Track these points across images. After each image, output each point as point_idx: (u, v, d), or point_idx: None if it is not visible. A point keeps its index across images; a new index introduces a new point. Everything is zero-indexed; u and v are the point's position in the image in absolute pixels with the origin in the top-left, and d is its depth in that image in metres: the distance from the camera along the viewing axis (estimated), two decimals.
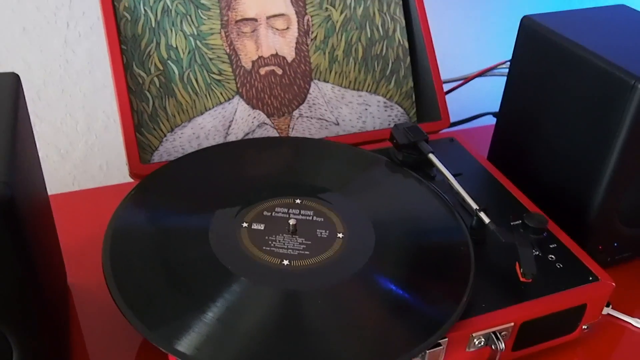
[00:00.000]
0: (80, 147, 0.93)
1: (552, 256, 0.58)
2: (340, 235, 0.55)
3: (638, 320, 0.62)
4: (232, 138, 0.70)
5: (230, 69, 0.69)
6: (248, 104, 0.70)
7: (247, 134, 0.70)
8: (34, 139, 0.55)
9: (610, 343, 0.60)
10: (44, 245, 0.49)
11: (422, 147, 0.65)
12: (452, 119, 0.77)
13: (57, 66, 0.86)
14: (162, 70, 0.67)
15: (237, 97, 0.69)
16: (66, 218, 0.71)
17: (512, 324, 0.52)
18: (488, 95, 0.91)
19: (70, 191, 0.77)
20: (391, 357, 0.45)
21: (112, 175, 0.97)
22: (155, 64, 0.66)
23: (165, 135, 0.67)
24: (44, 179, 0.57)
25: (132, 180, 0.66)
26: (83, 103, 0.90)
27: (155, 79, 0.66)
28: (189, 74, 0.67)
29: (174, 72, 0.67)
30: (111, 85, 0.89)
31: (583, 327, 0.57)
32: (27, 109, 0.52)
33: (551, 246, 0.59)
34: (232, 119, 0.69)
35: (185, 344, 0.45)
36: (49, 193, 0.61)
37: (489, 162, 0.70)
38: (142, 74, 0.66)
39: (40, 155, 0.90)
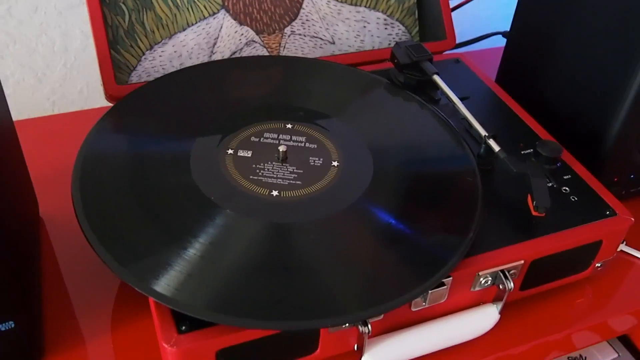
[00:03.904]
0: (58, 70, 0.87)
1: (566, 188, 0.53)
2: (335, 163, 0.50)
3: None
4: (217, 57, 0.63)
5: None
6: (235, 19, 0.63)
7: (234, 52, 0.64)
8: None
9: (622, 281, 0.57)
10: (4, 176, 0.43)
11: (426, 67, 0.59)
12: (458, 39, 0.71)
13: None
14: None
15: (222, 11, 0.63)
16: (39, 145, 0.66)
17: (522, 261, 0.48)
18: (497, 13, 0.84)
19: (43, 116, 0.72)
20: (390, 297, 0.41)
21: (94, 99, 0.91)
22: None
23: (143, 54, 0.61)
24: (6, 103, 0.52)
25: (110, 103, 0.60)
26: (59, 21, 0.83)
27: None
28: None
29: None
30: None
31: (596, 265, 0.53)
32: None
33: (565, 177, 0.54)
34: (218, 36, 0.63)
35: (162, 283, 0.40)
36: (26, 118, 0.55)
37: (498, 86, 0.64)
38: None
39: (14, 79, 0.84)
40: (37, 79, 0.87)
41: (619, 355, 0.76)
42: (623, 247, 0.59)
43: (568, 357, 0.75)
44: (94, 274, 0.53)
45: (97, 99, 0.91)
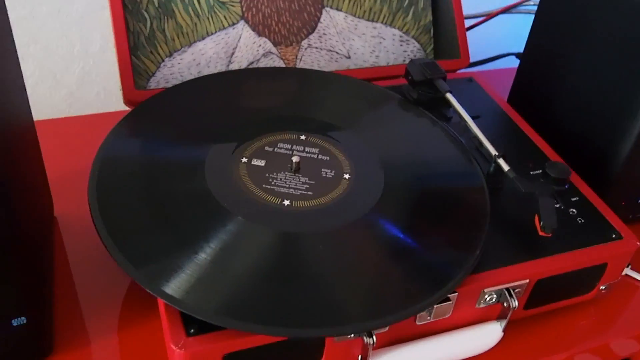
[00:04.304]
0: (77, 72, 0.88)
1: (574, 210, 0.53)
2: (346, 176, 0.51)
3: None
4: (235, 67, 0.65)
5: None
6: (253, 30, 0.64)
7: (252, 62, 0.65)
8: (16, 57, 0.50)
9: (626, 304, 0.57)
10: (23, 175, 0.45)
11: (439, 85, 0.60)
12: (472, 59, 0.72)
13: None
14: None
15: (241, 22, 0.64)
16: (56, 146, 0.67)
17: (527, 280, 0.48)
18: (512, 34, 0.85)
19: (61, 117, 0.73)
20: (395, 310, 0.42)
21: (110, 103, 0.92)
22: None
23: (163, 60, 0.62)
24: (28, 103, 0.53)
25: (127, 108, 0.62)
26: (80, 25, 0.84)
27: None
28: None
29: None
30: (107, 6, 0.84)
31: (601, 287, 0.53)
32: (8, 23, 0.48)
33: (572, 199, 0.55)
34: (236, 46, 0.64)
35: (173, 286, 0.41)
36: (42, 119, 0.56)
37: (509, 106, 0.65)
38: None
39: (33, 79, 0.86)
40: (55, 81, 0.88)
41: None
42: (628, 270, 0.59)
43: None
44: (104, 275, 0.54)
45: (113, 103, 0.92)
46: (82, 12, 0.83)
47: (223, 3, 0.63)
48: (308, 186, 0.50)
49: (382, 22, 0.69)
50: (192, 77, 0.63)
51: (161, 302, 0.43)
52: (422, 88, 0.60)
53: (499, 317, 0.50)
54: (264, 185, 0.49)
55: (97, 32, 0.85)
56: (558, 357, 0.52)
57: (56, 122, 0.72)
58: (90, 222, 0.45)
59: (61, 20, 0.83)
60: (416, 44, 0.71)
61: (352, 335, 0.44)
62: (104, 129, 0.53)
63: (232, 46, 0.64)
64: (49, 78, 0.87)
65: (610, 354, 0.56)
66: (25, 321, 0.43)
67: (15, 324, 0.43)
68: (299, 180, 0.50)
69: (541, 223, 0.48)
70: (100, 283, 0.54)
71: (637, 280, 0.59)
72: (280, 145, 0.53)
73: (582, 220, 0.53)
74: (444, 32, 0.70)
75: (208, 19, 0.63)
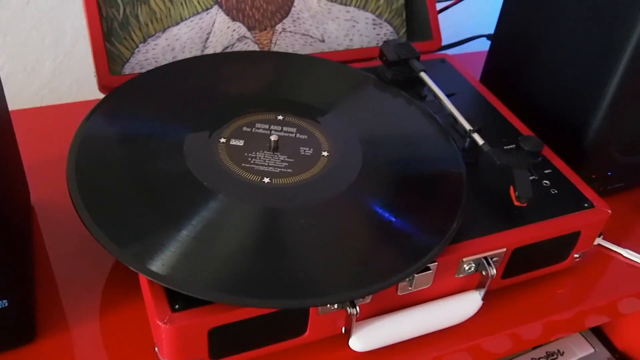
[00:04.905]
0: (48, 64, 0.88)
1: (547, 182, 0.55)
2: (324, 153, 0.52)
3: (628, 251, 0.60)
4: (209, 51, 0.65)
5: None
6: (227, 14, 0.65)
7: (226, 47, 0.65)
8: None
9: (599, 273, 0.59)
10: (2, 164, 0.44)
11: (414, 65, 0.61)
12: (444, 42, 0.73)
13: None
14: None
15: (215, 7, 0.64)
16: (30, 135, 0.67)
17: (504, 249, 0.49)
18: (482, 16, 0.86)
19: (35, 107, 0.72)
20: (377, 280, 0.43)
21: (83, 95, 0.92)
22: None
23: (137, 46, 0.62)
24: (3, 93, 0.52)
25: (101, 95, 0.61)
26: (50, 16, 0.84)
27: None
28: None
29: None
30: None
31: (575, 255, 0.55)
32: None
33: (546, 171, 0.56)
34: (210, 31, 0.64)
35: (158, 263, 0.41)
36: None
37: (482, 85, 0.66)
38: None
39: (4, 71, 0.85)
40: (26, 73, 0.87)
41: (595, 350, 0.78)
42: (601, 240, 0.61)
43: (546, 352, 0.78)
44: (84, 260, 0.54)
45: (86, 95, 0.92)
46: (52, 4, 0.82)
47: None
48: (287, 164, 0.50)
49: (355, 6, 0.69)
50: (167, 62, 0.63)
51: (145, 280, 0.43)
52: (396, 68, 0.61)
53: (478, 286, 0.51)
54: (243, 164, 0.49)
55: (68, 23, 0.85)
56: (536, 324, 0.53)
57: (29, 112, 0.71)
58: (67, 209, 0.45)
59: (31, 12, 0.83)
60: (389, 27, 0.71)
61: (336, 305, 0.44)
62: (77, 118, 0.52)
63: (206, 31, 0.64)
64: (20, 71, 0.86)
65: (586, 320, 0.57)
66: (7, 304, 0.43)
67: None
68: (278, 159, 0.50)
69: (516, 193, 0.50)
70: (79, 268, 0.53)
71: (610, 249, 0.61)
72: (258, 125, 0.53)
73: (556, 191, 0.54)
74: (416, 14, 0.71)
75: (182, 4, 0.63)
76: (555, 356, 0.76)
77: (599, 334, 0.80)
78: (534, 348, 0.77)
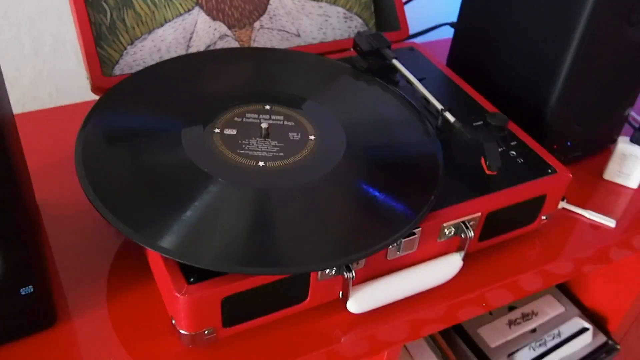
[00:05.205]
0: (28, 73, 0.90)
1: (514, 152, 0.60)
2: (312, 137, 0.56)
3: (589, 211, 0.66)
4: (193, 50, 0.69)
5: None
6: (208, 15, 0.69)
7: (209, 46, 0.69)
8: None
9: (565, 233, 0.64)
10: (18, 163, 0.48)
11: (386, 53, 0.66)
12: (411, 31, 0.78)
13: None
14: None
15: (196, 8, 0.68)
16: (22, 139, 0.70)
17: (479, 214, 0.55)
18: (446, 5, 0.92)
19: (22, 112, 0.75)
20: (370, 245, 0.47)
21: (62, 101, 0.94)
22: None
23: (125, 48, 0.66)
24: (7, 97, 0.56)
25: (88, 99, 0.65)
26: (28, 25, 0.86)
27: None
28: None
29: None
30: (57, 6, 0.86)
31: (542, 217, 0.60)
32: None
33: (512, 144, 0.61)
34: (193, 31, 0.68)
35: (172, 241, 0.45)
36: None
37: (449, 69, 0.72)
38: None
39: None
40: (7, 83, 0.89)
41: (565, 309, 0.84)
42: (565, 204, 0.67)
43: (522, 313, 0.84)
44: (87, 252, 0.58)
45: (65, 101, 0.94)
46: (30, 13, 0.85)
47: None
48: (278, 148, 0.54)
49: (326, 2, 0.74)
50: (153, 62, 0.67)
51: (159, 258, 0.47)
52: (370, 58, 0.66)
53: (457, 249, 0.56)
54: (238, 151, 0.54)
55: (47, 32, 0.87)
56: (509, 280, 0.58)
57: (23, 116, 0.74)
58: (69, 207, 0.48)
59: (9, 22, 0.85)
60: (359, 19, 0.76)
61: (334, 271, 0.49)
62: (65, 121, 0.56)
63: (189, 31, 0.68)
64: None
65: (554, 275, 0.63)
66: (32, 290, 0.47)
67: (23, 293, 0.46)
68: (270, 144, 0.55)
69: (487, 163, 0.55)
70: (84, 260, 0.57)
71: (574, 212, 0.67)
72: (248, 115, 0.58)
73: (522, 160, 0.60)
74: (384, 6, 0.76)
75: (165, 6, 0.67)
76: (530, 317, 0.83)
77: (569, 294, 0.86)
78: (510, 310, 0.83)
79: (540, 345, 0.79)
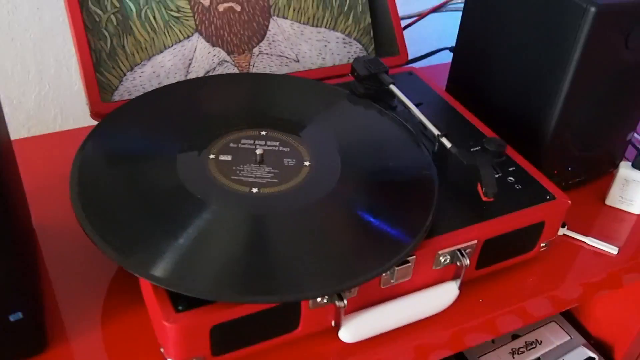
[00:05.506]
0: (33, 97, 0.91)
1: (512, 178, 0.60)
2: (306, 163, 0.56)
3: (592, 239, 0.65)
4: (192, 76, 0.69)
5: (188, 6, 0.68)
6: (207, 41, 0.69)
7: (208, 71, 0.70)
8: None
9: (566, 260, 0.63)
10: (11, 185, 0.48)
11: (383, 78, 0.66)
12: (410, 56, 0.78)
13: (5, 12, 0.83)
14: (119, 8, 0.65)
15: (196, 35, 0.69)
16: (26, 163, 0.70)
17: (476, 241, 0.54)
18: (444, 31, 0.92)
19: (25, 137, 0.76)
20: (362, 273, 0.47)
21: (67, 125, 0.95)
22: (111, 1, 0.65)
23: (125, 75, 0.66)
24: (5, 122, 0.56)
25: (89, 124, 0.65)
26: (34, 51, 0.87)
27: (112, 17, 0.65)
28: (146, 11, 0.66)
29: (131, 10, 0.66)
30: (62, 32, 0.87)
31: (541, 244, 0.60)
32: None
33: (510, 169, 0.61)
34: (192, 57, 0.69)
35: (160, 269, 0.45)
36: None
37: (447, 94, 0.71)
38: (99, 11, 0.64)
39: None
40: (13, 107, 0.90)
41: (571, 338, 0.83)
42: (566, 231, 0.66)
43: (525, 342, 0.82)
44: (83, 275, 0.57)
45: (70, 125, 0.95)
46: (35, 39, 0.86)
47: (177, 18, 0.68)
48: (273, 174, 0.54)
49: (325, 27, 0.74)
50: (153, 88, 0.67)
51: (148, 286, 0.47)
52: (367, 82, 0.66)
53: (454, 277, 0.56)
54: (232, 177, 0.53)
55: (51, 56, 0.88)
56: (508, 309, 0.57)
57: (19, 142, 0.75)
58: (65, 230, 0.48)
59: (15, 48, 0.86)
60: (358, 44, 0.76)
61: (326, 300, 0.49)
62: (66, 145, 0.56)
63: (188, 57, 0.69)
64: (7, 104, 0.89)
65: (557, 302, 0.62)
66: (21, 316, 0.47)
67: (12, 319, 0.46)
68: (264, 170, 0.55)
69: (483, 190, 0.54)
70: (80, 283, 0.57)
71: (575, 239, 0.66)
72: (244, 141, 0.58)
73: (520, 186, 0.59)
74: (383, 32, 0.76)
75: (164, 33, 0.67)
76: (534, 345, 0.81)
77: (574, 322, 0.85)
78: (514, 339, 0.82)
79: None
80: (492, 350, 0.80)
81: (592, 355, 0.80)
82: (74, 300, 0.55)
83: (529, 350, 0.80)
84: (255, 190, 0.52)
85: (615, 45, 0.61)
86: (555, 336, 0.82)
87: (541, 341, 0.81)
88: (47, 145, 0.74)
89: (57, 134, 0.78)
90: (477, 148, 0.63)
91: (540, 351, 0.80)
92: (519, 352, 0.80)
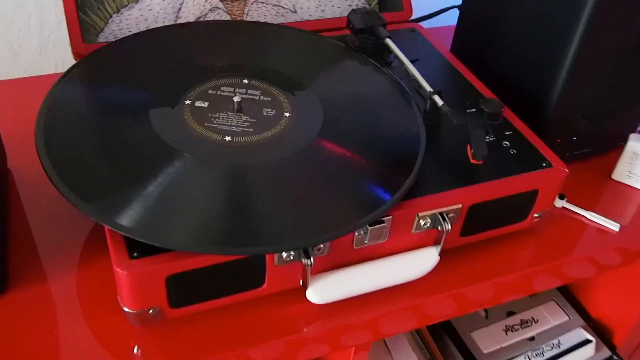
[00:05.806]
0: (34, 43, 0.89)
1: (507, 142, 0.56)
2: (286, 114, 0.53)
3: (592, 213, 0.61)
4: (182, 22, 0.66)
5: None
6: None
7: (199, 17, 0.67)
8: None
9: (563, 235, 0.60)
10: None
11: (379, 31, 0.62)
12: (417, 14, 0.74)
13: None
14: None
15: None
16: (7, 105, 0.68)
17: (460, 205, 0.51)
18: None
19: (9, 79, 0.74)
20: (330, 229, 0.44)
21: None
22: None
23: (110, 16, 0.63)
24: None
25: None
26: None
27: None
28: None
29: None
30: None
31: (535, 215, 0.56)
32: None
33: (507, 133, 0.57)
34: (183, 2, 0.66)
35: (119, 215, 0.43)
36: None
37: (449, 52, 0.67)
38: None
39: None
40: (13, 52, 0.88)
41: (569, 318, 0.79)
42: (565, 203, 0.62)
43: (521, 320, 0.79)
44: (58, 219, 0.56)
45: None
46: None
47: None
48: (249, 124, 0.51)
49: None
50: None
51: (107, 230, 0.45)
52: (363, 36, 0.63)
53: (435, 243, 0.52)
54: (206, 124, 0.51)
55: (51, 1, 0.86)
56: (491, 281, 0.54)
57: (3, 83, 0.73)
58: (41, 173, 0.46)
59: None
60: None
61: (292, 256, 0.46)
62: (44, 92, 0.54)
63: (178, 1, 0.65)
64: (7, 50, 0.88)
65: (544, 280, 0.59)
66: None
67: None
68: (241, 119, 0.52)
69: (472, 151, 0.51)
70: (55, 227, 0.55)
71: (574, 212, 0.62)
72: (224, 88, 0.55)
73: (515, 151, 0.55)
74: None
75: None
76: (529, 324, 0.78)
77: (574, 302, 0.81)
78: (509, 315, 0.78)
79: (537, 354, 0.74)
80: (485, 326, 0.76)
81: (590, 338, 0.76)
82: (47, 242, 0.54)
83: (524, 328, 0.77)
84: (228, 138, 0.50)
85: (625, 16, 0.57)
86: (552, 315, 0.78)
87: (537, 320, 0.78)
88: (34, 86, 0.72)
89: (46, 76, 0.76)
90: (473, 109, 0.59)
91: (535, 330, 0.77)
92: (513, 329, 0.76)
